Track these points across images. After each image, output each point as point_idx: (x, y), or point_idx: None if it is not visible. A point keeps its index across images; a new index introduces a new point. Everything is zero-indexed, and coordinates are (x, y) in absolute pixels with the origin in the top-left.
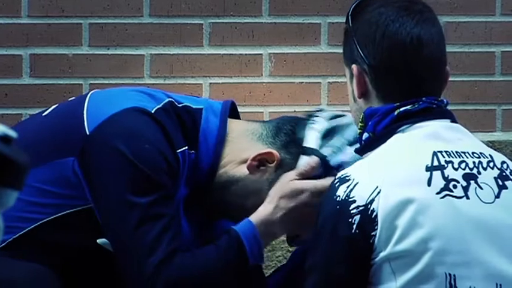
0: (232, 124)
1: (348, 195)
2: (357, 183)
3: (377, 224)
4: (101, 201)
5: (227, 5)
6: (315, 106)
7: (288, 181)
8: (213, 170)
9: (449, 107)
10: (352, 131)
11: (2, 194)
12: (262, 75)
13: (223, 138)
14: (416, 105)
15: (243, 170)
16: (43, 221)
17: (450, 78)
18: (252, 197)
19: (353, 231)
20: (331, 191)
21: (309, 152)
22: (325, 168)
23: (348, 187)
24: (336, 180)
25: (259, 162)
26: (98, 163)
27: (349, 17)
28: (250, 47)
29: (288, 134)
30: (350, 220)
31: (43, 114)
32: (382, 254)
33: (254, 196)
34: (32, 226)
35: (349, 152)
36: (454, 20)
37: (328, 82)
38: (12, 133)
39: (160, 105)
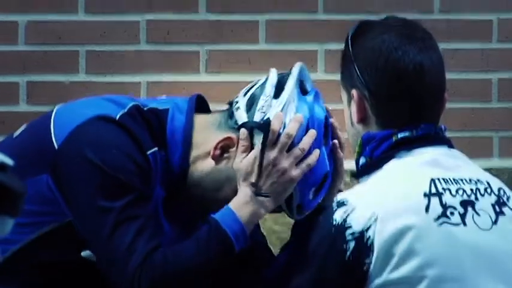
0: (197, 119)
1: (344, 220)
2: (354, 208)
3: (372, 252)
4: (76, 212)
5: (224, 32)
6: None
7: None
8: (183, 168)
9: (446, 134)
10: (269, 85)
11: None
12: None
13: (189, 135)
14: (414, 132)
15: (209, 163)
16: (26, 241)
17: (447, 105)
18: (226, 186)
19: (346, 258)
20: (328, 213)
21: (244, 126)
22: (264, 129)
23: (345, 212)
24: (334, 204)
25: (222, 150)
26: (69, 175)
27: (349, 41)
28: (247, 73)
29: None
30: (344, 246)
31: (13, 136)
32: (377, 281)
33: (228, 185)
34: (16, 248)
35: (277, 104)
36: (451, 47)
37: None
38: (9, 161)
39: (125, 110)
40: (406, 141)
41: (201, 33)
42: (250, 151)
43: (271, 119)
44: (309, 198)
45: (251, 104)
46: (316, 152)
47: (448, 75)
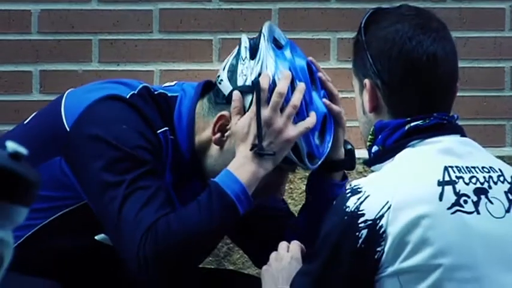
0: (199, 105)
1: (357, 208)
2: (368, 196)
3: (384, 240)
4: (89, 189)
5: (237, 20)
6: None
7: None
8: (192, 154)
9: (458, 122)
10: (243, 49)
11: (13, 211)
12: None
13: (191, 121)
14: (427, 121)
15: (215, 149)
16: (39, 226)
17: (459, 94)
18: None
19: (358, 245)
20: (341, 199)
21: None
22: (253, 89)
23: (358, 199)
24: (348, 190)
25: (220, 131)
26: (81, 154)
27: (362, 29)
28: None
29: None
30: (357, 234)
31: (24, 123)
32: (390, 269)
33: None
34: (29, 233)
35: (255, 64)
36: (463, 35)
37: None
38: (23, 150)
39: (136, 91)
40: (419, 130)
41: (214, 22)
42: (244, 114)
43: (252, 79)
44: (316, 143)
45: (232, 73)
46: (313, 115)
47: (461, 64)
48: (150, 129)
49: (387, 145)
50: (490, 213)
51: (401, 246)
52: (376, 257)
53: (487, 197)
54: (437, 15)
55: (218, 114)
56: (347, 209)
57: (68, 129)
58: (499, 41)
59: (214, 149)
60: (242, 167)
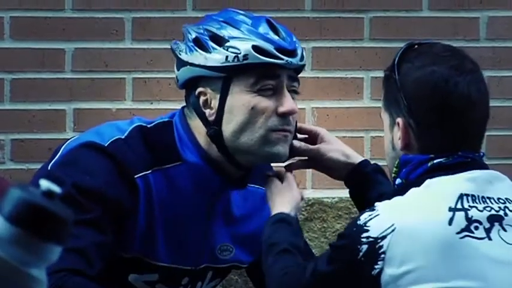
0: (188, 118)
1: (365, 223)
2: (378, 215)
3: (383, 260)
4: None
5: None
6: None
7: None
8: (208, 159)
9: (490, 161)
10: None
11: (47, 249)
12: None
13: (190, 133)
14: (450, 159)
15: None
16: None
17: (492, 133)
18: (250, 118)
19: (359, 257)
20: (361, 212)
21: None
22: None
23: (369, 215)
24: (369, 207)
25: (207, 107)
26: None
27: (395, 67)
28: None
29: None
30: (358, 247)
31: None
32: None
33: (248, 115)
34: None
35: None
36: (497, 74)
37: (371, 136)
38: (56, 188)
39: (123, 136)
40: (441, 167)
41: None
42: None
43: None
44: (275, 38)
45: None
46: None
47: (494, 103)
48: (123, 176)
49: (410, 179)
50: (502, 239)
51: (403, 271)
52: (373, 273)
53: (501, 224)
54: (470, 55)
55: (197, 92)
56: (358, 222)
57: (48, 167)
58: None
59: (225, 128)
60: None
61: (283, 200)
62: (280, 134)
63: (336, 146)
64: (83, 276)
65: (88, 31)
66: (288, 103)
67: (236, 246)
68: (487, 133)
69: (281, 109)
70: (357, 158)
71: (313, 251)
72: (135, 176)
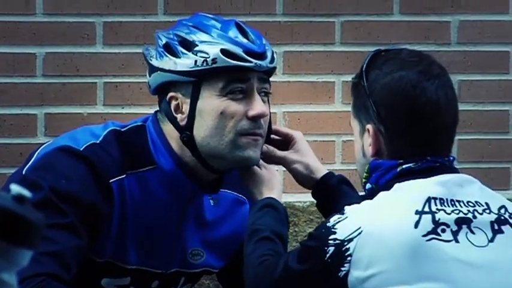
0: (161, 123)
1: (333, 225)
2: (346, 218)
3: (349, 263)
4: None
5: None
6: (329, 165)
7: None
8: (179, 163)
9: (461, 165)
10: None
11: (17, 254)
12: None
13: (163, 137)
14: (419, 164)
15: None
16: None
17: (464, 137)
18: (220, 121)
19: (326, 258)
20: (331, 215)
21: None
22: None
23: (338, 218)
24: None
25: (179, 111)
26: None
27: (363, 74)
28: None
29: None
30: (326, 248)
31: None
32: None
33: (219, 118)
34: None
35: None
36: (468, 78)
37: (343, 141)
38: (27, 193)
39: (98, 140)
40: (410, 172)
41: None
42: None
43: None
44: (243, 41)
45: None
46: None
47: (465, 107)
48: (98, 181)
49: (379, 185)
50: (470, 242)
51: (369, 273)
52: (339, 275)
53: (469, 227)
54: (442, 59)
55: (169, 95)
56: (327, 223)
57: (23, 172)
58: (504, 84)
59: (197, 132)
60: None
61: (270, 186)
62: (250, 138)
63: (302, 158)
64: (61, 281)
65: (59, 35)
66: (258, 106)
67: (207, 251)
68: (458, 137)
69: (251, 112)
70: (321, 172)
71: None
72: (110, 181)
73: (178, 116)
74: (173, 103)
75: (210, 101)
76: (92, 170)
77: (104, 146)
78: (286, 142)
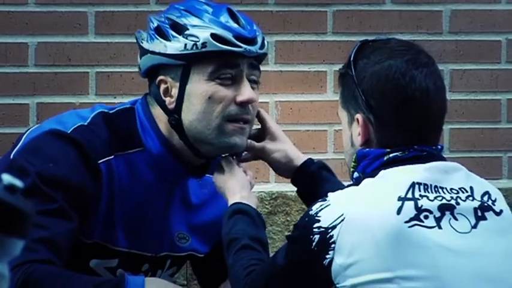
0: (151, 106)
1: (316, 213)
2: (328, 205)
3: (333, 250)
4: None
5: None
6: (321, 154)
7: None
8: (167, 145)
9: (453, 154)
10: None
11: (9, 243)
12: None
13: (152, 120)
14: (406, 152)
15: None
16: None
17: (456, 126)
18: (207, 105)
19: (312, 247)
20: (313, 203)
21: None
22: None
23: (321, 205)
24: (322, 197)
25: (168, 95)
26: None
27: (351, 64)
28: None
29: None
30: (311, 237)
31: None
32: (344, 283)
33: (205, 103)
34: None
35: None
36: (460, 67)
37: (335, 130)
38: (18, 183)
39: (86, 122)
40: (397, 160)
41: None
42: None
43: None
44: (234, 26)
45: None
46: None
47: (457, 96)
48: (86, 162)
49: (366, 173)
50: (453, 228)
51: (353, 260)
52: (324, 263)
53: (452, 214)
54: (433, 48)
55: (159, 78)
56: (310, 212)
57: (11, 157)
58: (496, 73)
59: (185, 116)
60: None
61: (232, 192)
62: (236, 126)
63: (280, 147)
64: (52, 264)
65: (51, 25)
66: (247, 92)
67: (192, 235)
68: (450, 126)
69: (239, 98)
70: (300, 159)
71: (277, 244)
72: (99, 162)
73: (167, 100)
74: (162, 86)
75: (199, 85)
76: (80, 152)
77: (92, 128)
78: (262, 133)
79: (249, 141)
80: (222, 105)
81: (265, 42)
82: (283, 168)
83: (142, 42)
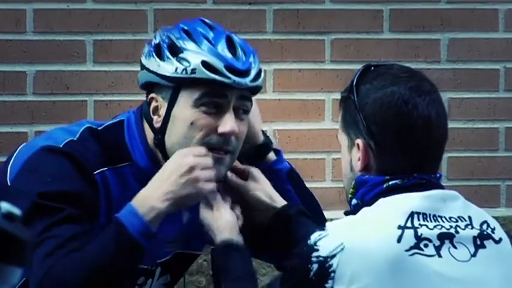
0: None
1: (315, 242)
2: (327, 234)
3: (333, 279)
4: None
5: None
6: (319, 182)
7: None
8: (153, 160)
9: (451, 183)
10: (153, 50)
11: (7, 272)
12: None
13: (143, 134)
14: (405, 180)
15: (167, 139)
16: None
17: (455, 154)
18: (189, 130)
19: (310, 276)
20: (312, 232)
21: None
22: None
23: (319, 235)
24: (319, 227)
25: (156, 114)
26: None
27: (354, 89)
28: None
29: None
30: (309, 266)
31: None
32: None
33: (188, 128)
34: None
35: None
36: (458, 96)
37: (333, 158)
38: (16, 211)
39: (75, 137)
40: (397, 188)
41: None
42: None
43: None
44: (228, 56)
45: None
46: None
47: (455, 124)
48: (83, 173)
49: (365, 201)
50: (453, 256)
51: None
52: None
53: (451, 242)
54: (431, 76)
55: (149, 98)
56: (308, 241)
57: (8, 183)
58: (494, 101)
59: (167, 140)
60: (147, 202)
61: (220, 229)
62: (214, 155)
63: (263, 186)
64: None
65: (49, 53)
66: (229, 123)
67: (183, 238)
68: (448, 154)
69: (220, 129)
70: (280, 202)
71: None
72: (94, 173)
73: (155, 118)
74: (153, 104)
75: (184, 110)
76: (75, 164)
77: (82, 142)
78: (243, 177)
79: (234, 175)
80: (202, 133)
81: (261, 75)
82: (262, 207)
83: (142, 56)
